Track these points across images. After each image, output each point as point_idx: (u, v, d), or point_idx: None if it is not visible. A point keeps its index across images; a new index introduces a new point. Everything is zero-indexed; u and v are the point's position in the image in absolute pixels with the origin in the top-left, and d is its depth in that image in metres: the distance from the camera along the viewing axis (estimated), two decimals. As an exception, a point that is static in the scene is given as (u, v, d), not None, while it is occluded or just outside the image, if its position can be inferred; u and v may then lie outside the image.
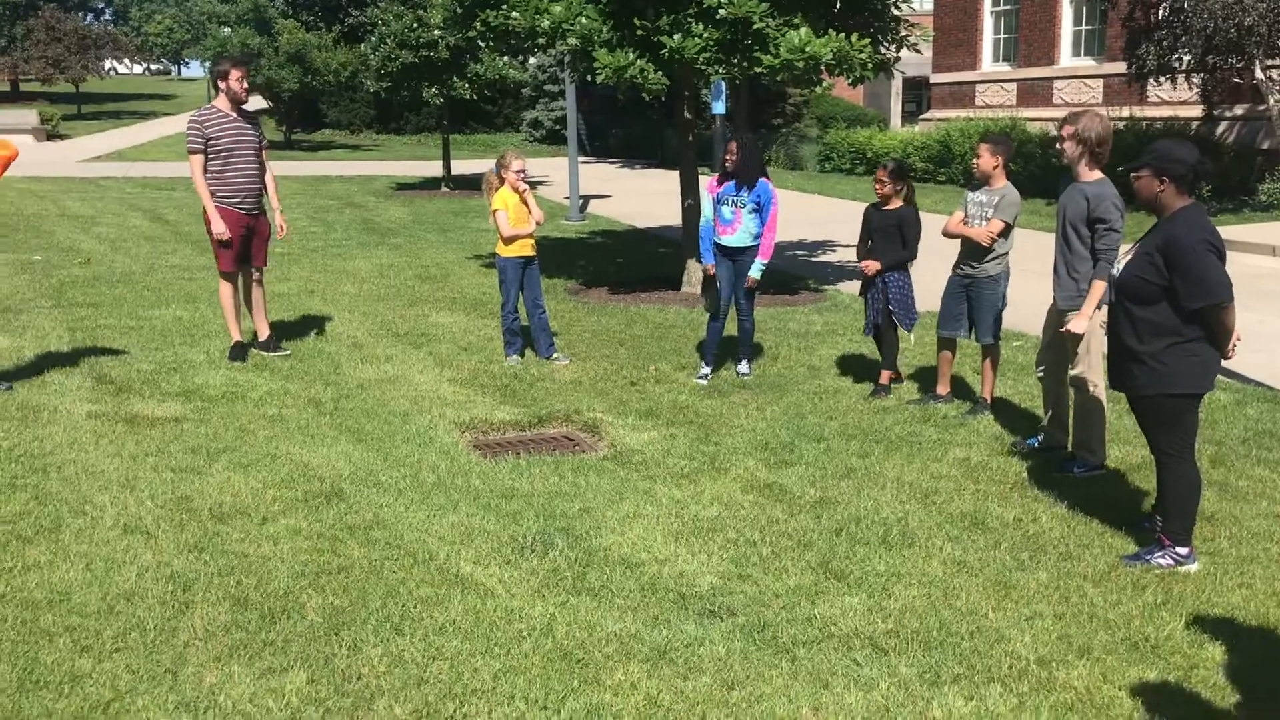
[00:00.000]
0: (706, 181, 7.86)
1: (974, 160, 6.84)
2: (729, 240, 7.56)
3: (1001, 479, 5.73)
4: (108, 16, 60.71)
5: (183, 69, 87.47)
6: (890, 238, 7.20)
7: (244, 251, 7.85)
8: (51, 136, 34.03)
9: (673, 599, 4.28)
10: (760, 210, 7.49)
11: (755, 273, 7.54)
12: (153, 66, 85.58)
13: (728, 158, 7.50)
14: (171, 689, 3.55)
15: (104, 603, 4.12)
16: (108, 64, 47.62)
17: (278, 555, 4.58)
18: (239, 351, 7.89)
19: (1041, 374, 6.18)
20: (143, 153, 30.05)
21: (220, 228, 7.59)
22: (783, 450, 6.11)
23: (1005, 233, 6.64)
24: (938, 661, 3.85)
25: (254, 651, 3.80)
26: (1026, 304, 8.60)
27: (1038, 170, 19.38)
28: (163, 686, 3.57)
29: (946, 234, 6.83)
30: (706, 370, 7.67)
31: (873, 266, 7.24)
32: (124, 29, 58.35)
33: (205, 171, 7.60)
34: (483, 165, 28.35)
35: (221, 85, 7.70)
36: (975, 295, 6.77)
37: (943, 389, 7.14)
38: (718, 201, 7.57)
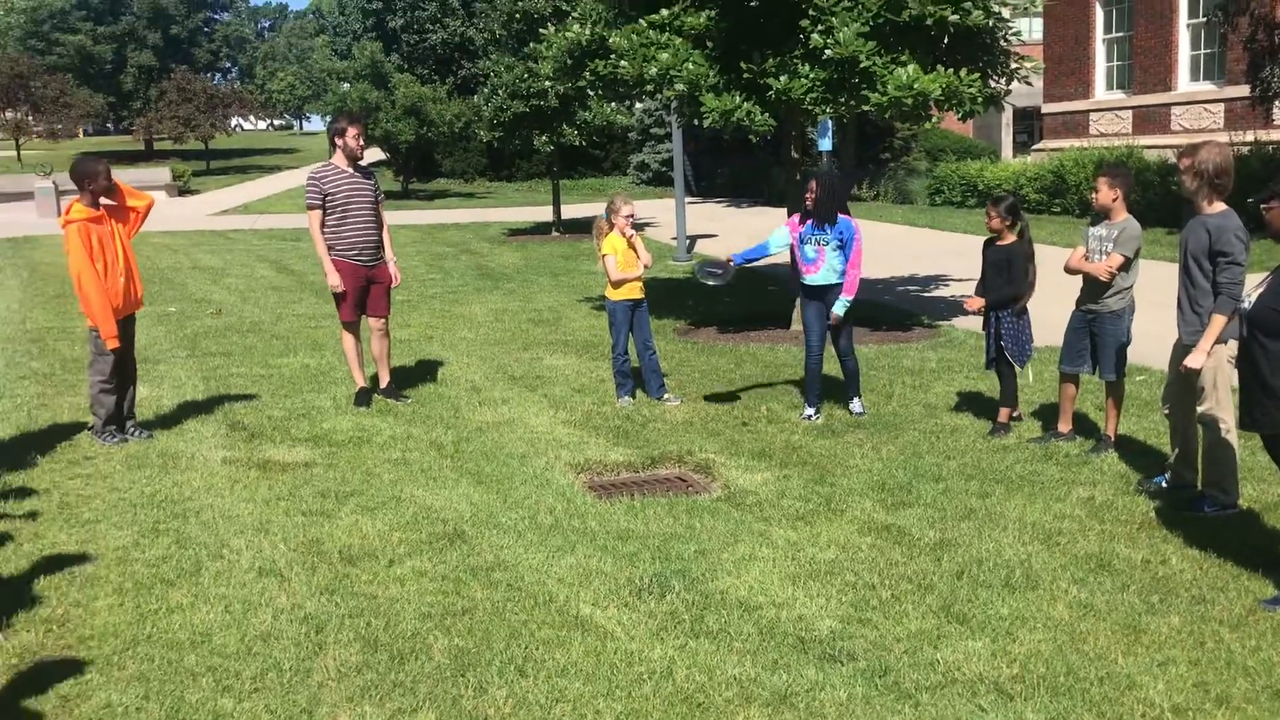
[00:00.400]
0: (790, 219, 7.86)
1: (1092, 193, 6.73)
2: (814, 279, 7.55)
3: (1128, 519, 5.58)
4: (234, 75, 63.49)
5: (304, 124, 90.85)
6: (1000, 273, 7.11)
7: (363, 301, 8.11)
8: (183, 192, 35.66)
9: (792, 643, 4.28)
10: (844, 247, 7.48)
11: (839, 310, 7.49)
12: (276, 122, 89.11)
13: (808, 196, 7.50)
14: (308, 728, 3.69)
15: (243, 644, 4.29)
16: (234, 121, 49.71)
17: (405, 597, 4.72)
18: (364, 397, 8.14)
19: (1168, 411, 6.01)
20: (268, 205, 31.28)
21: (335, 280, 7.88)
22: (900, 491, 6.06)
23: (1126, 267, 6.50)
24: (1066, 708, 3.77)
25: (384, 692, 3.92)
26: (1150, 338, 8.37)
27: (1157, 199, 18.85)
28: (299, 725, 3.70)
29: (1069, 270, 6.72)
30: (810, 410, 7.65)
31: (975, 303, 7.16)
32: (249, 87, 60.97)
33: (323, 226, 7.89)
34: (592, 209, 28.73)
35: (339, 142, 7.99)
36: (1098, 331, 6.63)
37: (1064, 426, 6.99)
38: (801, 240, 7.58)
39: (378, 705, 3.82)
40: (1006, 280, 7.07)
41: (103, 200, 6.99)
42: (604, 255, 8.04)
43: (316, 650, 4.23)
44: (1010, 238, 7.12)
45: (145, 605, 4.63)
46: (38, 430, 7.46)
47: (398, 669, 4.08)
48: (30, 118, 45.51)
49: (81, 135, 62.37)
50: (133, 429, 7.25)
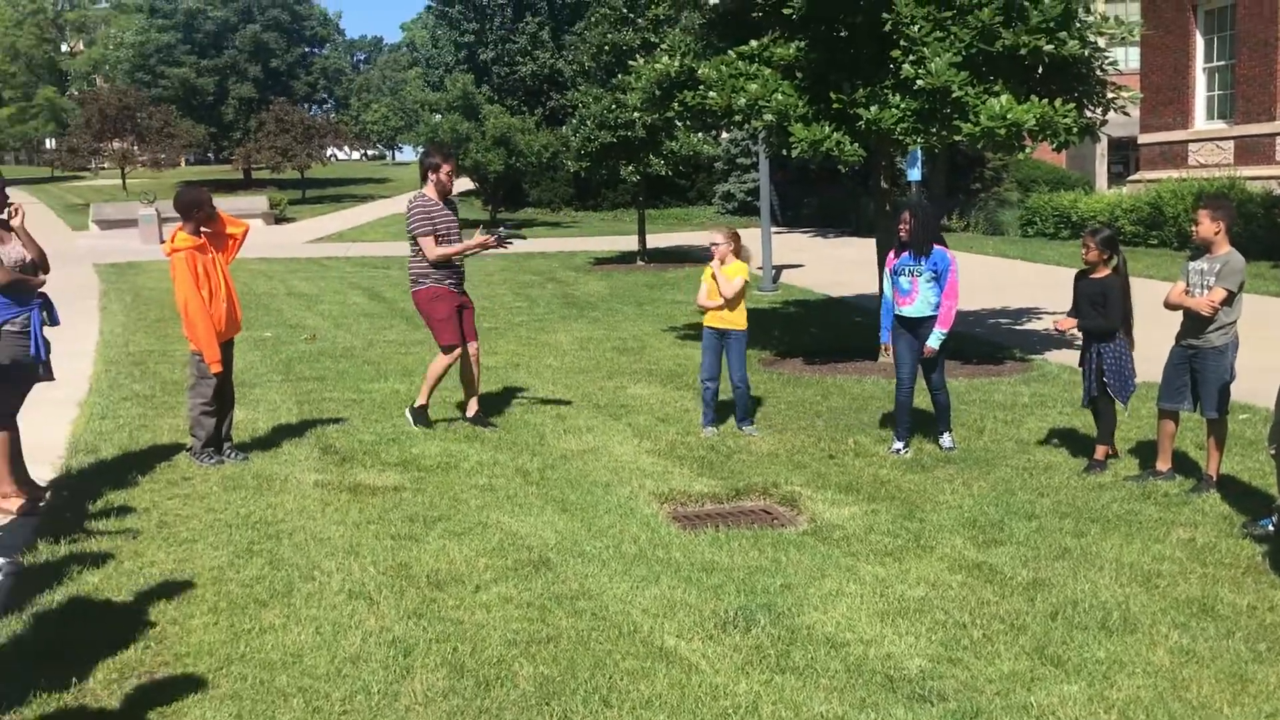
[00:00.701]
0: (887, 257, 7.79)
1: (1192, 226, 6.56)
2: (908, 311, 7.47)
3: (1232, 562, 5.38)
4: (330, 107, 65.16)
5: (396, 154, 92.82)
6: (1095, 305, 6.96)
7: (460, 327, 8.26)
8: (280, 220, 36.60)
9: (880, 681, 4.20)
10: (938, 278, 7.38)
11: (933, 342, 7.39)
12: (369, 152, 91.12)
13: (902, 227, 7.44)
14: (395, 751, 3.72)
15: (332, 665, 4.35)
16: (329, 151, 50.96)
17: (490, 623, 4.74)
18: (424, 416, 8.28)
19: (1275, 451, 5.80)
20: (361, 234, 31.96)
21: (482, 238, 8.21)
22: (992, 528, 5.93)
23: (1229, 301, 6.32)
24: (1168, 758, 3.64)
25: (470, 718, 3.94)
26: (1254, 373, 8.09)
27: (1261, 231, 18.31)
28: (387, 748, 3.74)
29: (1169, 306, 6.56)
30: (898, 444, 7.55)
31: (1067, 324, 7.00)
32: (344, 118, 62.49)
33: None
34: (676, 239, 28.81)
35: (432, 177, 8.17)
36: (1200, 367, 6.45)
37: (1164, 465, 6.79)
38: (895, 272, 7.51)
39: (463, 731, 3.84)
40: (1101, 314, 6.92)
41: (202, 228, 7.21)
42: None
43: (404, 674, 4.27)
44: (1105, 271, 6.97)
45: (239, 624, 4.73)
46: (138, 450, 7.68)
47: (483, 695, 4.10)
48: (136, 147, 47.19)
49: (183, 164, 64.43)
50: (229, 451, 7.43)
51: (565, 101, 29.66)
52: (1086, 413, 7.29)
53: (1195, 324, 6.44)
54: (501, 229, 8.37)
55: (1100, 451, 7.06)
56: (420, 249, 8.10)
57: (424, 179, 8.29)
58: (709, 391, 8.19)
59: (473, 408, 8.44)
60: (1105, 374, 6.93)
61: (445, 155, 8.30)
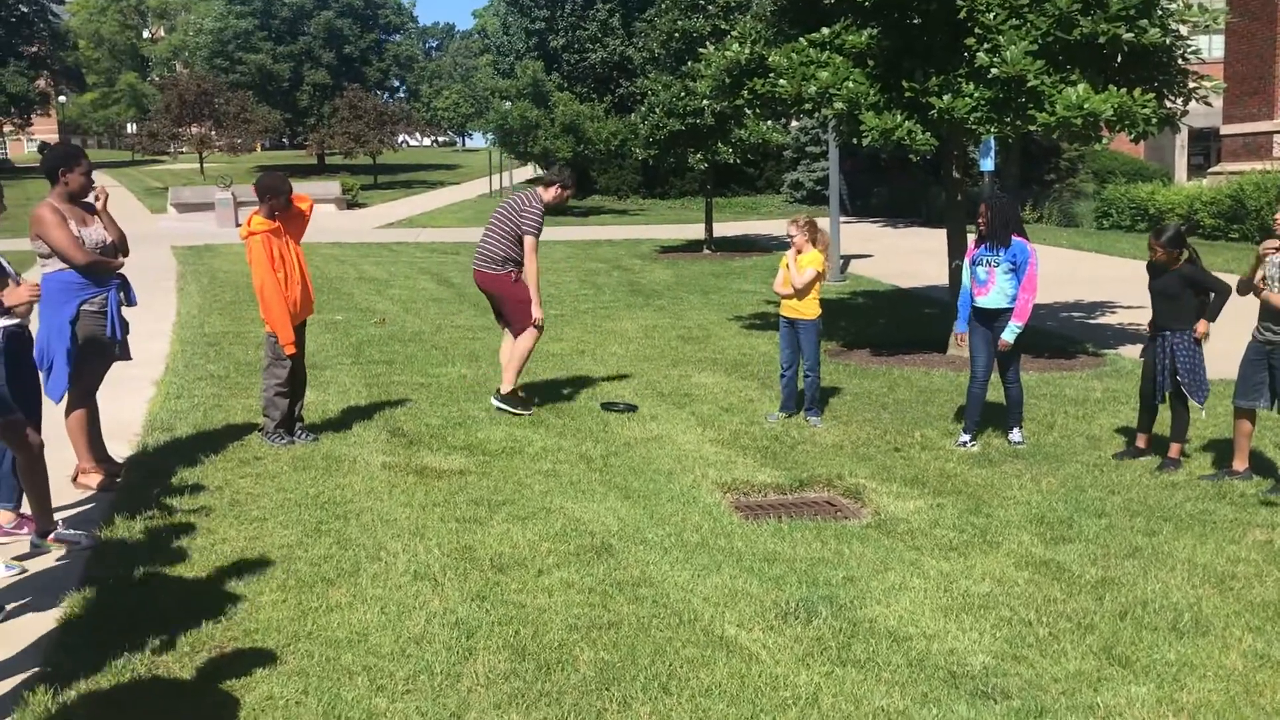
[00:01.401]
0: (968, 247, 7.72)
1: (1275, 218, 6.39)
2: (984, 302, 7.38)
3: (1311, 566, 5.24)
4: (402, 93, 65.85)
5: (466, 140, 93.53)
6: (1171, 298, 6.80)
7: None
8: (352, 205, 37.13)
9: (943, 677, 4.16)
10: (1017, 270, 7.27)
11: (1008, 336, 7.29)
12: (440, 139, 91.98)
13: (980, 220, 7.37)
14: (456, 731, 3.77)
15: (397, 645, 4.42)
16: (401, 137, 51.54)
17: (552, 607, 4.78)
18: (516, 400, 8.40)
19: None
20: (431, 219, 32.30)
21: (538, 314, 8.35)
22: (1060, 525, 5.84)
23: None
24: (1239, 764, 3.56)
25: (531, 701, 3.97)
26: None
27: (1349, 225, 17.76)
28: (448, 728, 3.79)
29: (1243, 291, 6.40)
30: (966, 438, 7.46)
31: (1202, 328, 6.77)
32: (416, 104, 63.14)
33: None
34: (744, 227, 28.71)
35: (556, 191, 8.44)
36: (1278, 363, 6.28)
37: (1240, 464, 6.63)
38: (974, 262, 7.43)
39: (524, 714, 3.88)
40: (1183, 304, 6.76)
41: (277, 213, 7.33)
42: None
43: (467, 655, 4.32)
44: (1179, 265, 6.82)
45: (307, 602, 4.82)
46: (212, 430, 7.85)
47: (544, 678, 4.14)
48: (213, 132, 48.15)
49: (259, 150, 65.63)
50: (300, 432, 7.57)
51: (634, 89, 29.66)
52: (1161, 410, 7.11)
53: (1274, 317, 6.28)
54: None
55: (1174, 450, 6.91)
56: (521, 242, 8.25)
57: (548, 186, 8.47)
58: (784, 379, 8.19)
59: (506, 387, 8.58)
60: (1179, 372, 6.78)
61: (565, 184, 8.53)
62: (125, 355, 6.73)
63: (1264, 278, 6.35)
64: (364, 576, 5.13)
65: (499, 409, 8.34)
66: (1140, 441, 7.06)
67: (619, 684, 4.09)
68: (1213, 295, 6.71)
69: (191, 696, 4.00)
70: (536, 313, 8.30)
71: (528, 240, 8.23)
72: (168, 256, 21.18)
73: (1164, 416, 7.11)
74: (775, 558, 5.40)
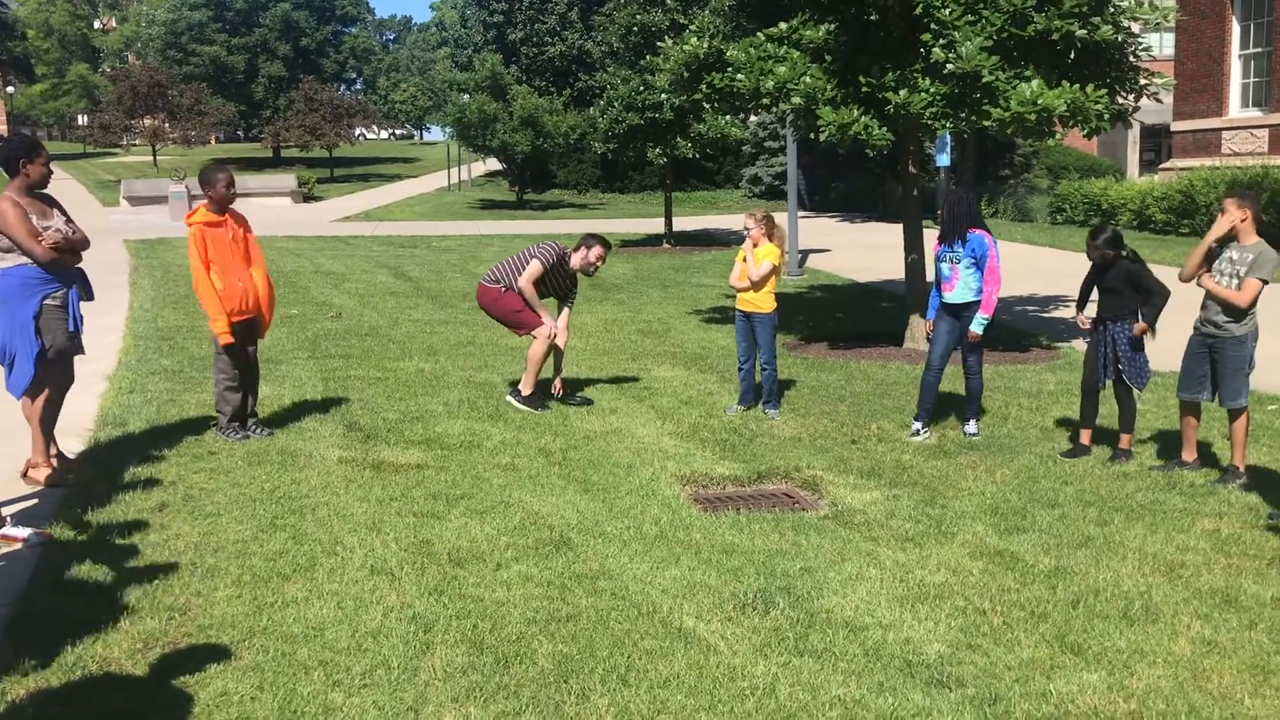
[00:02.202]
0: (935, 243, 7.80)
1: (1219, 215, 6.48)
2: (950, 298, 7.48)
3: (1257, 554, 5.34)
4: (359, 86, 65.25)
5: (424, 134, 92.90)
6: (1114, 292, 6.91)
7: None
8: (308, 199, 36.75)
9: (898, 666, 4.20)
10: (978, 264, 7.35)
11: (976, 328, 7.39)
12: (397, 132, 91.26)
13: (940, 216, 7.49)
14: (414, 725, 3.75)
15: (353, 639, 4.39)
16: (358, 130, 51.08)
17: (511, 601, 4.77)
18: (540, 401, 8.42)
19: (1303, 442, 5.75)
20: (388, 213, 32.05)
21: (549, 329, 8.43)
22: (1014, 516, 5.91)
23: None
24: (1187, 748, 3.62)
25: (489, 694, 3.96)
26: (1284, 365, 8.03)
27: (1295, 220, 18.09)
28: (406, 722, 3.77)
29: (1184, 279, 6.49)
30: (918, 425, 7.56)
31: (1139, 329, 6.89)
32: (373, 97, 62.58)
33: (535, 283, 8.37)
34: (703, 221, 28.73)
35: (584, 252, 8.49)
36: (1220, 357, 6.40)
37: (1189, 455, 6.75)
38: (938, 259, 7.52)
39: (482, 707, 3.87)
40: (1128, 297, 6.87)
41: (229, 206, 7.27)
42: None
43: (424, 649, 4.30)
44: (1118, 262, 6.94)
45: (262, 598, 4.77)
46: (166, 424, 7.76)
47: (502, 672, 4.13)
48: (167, 125, 47.48)
49: (214, 142, 64.80)
50: (254, 426, 7.49)
51: (593, 83, 29.63)
52: (1112, 401, 7.22)
53: (1217, 311, 6.38)
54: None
55: (1125, 440, 7.01)
56: (527, 267, 8.35)
57: (577, 249, 8.54)
58: (742, 373, 8.22)
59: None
60: (1120, 360, 6.89)
61: (603, 247, 8.58)
62: (78, 350, 6.63)
63: (1208, 270, 6.46)
64: (320, 571, 5.09)
65: (514, 406, 8.37)
66: (1084, 438, 7.12)
67: (577, 676, 4.09)
68: (1152, 296, 6.81)
69: (144, 693, 3.96)
70: (546, 322, 8.41)
71: (532, 264, 8.34)
72: (120, 250, 20.87)
73: (1112, 410, 7.21)
74: (733, 549, 5.42)
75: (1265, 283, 6.25)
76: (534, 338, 8.39)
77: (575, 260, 8.49)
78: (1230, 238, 6.41)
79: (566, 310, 8.71)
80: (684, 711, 3.85)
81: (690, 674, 4.12)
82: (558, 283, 8.56)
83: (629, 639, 4.40)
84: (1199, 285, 6.48)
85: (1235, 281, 6.31)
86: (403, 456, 7.02)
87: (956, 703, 3.91)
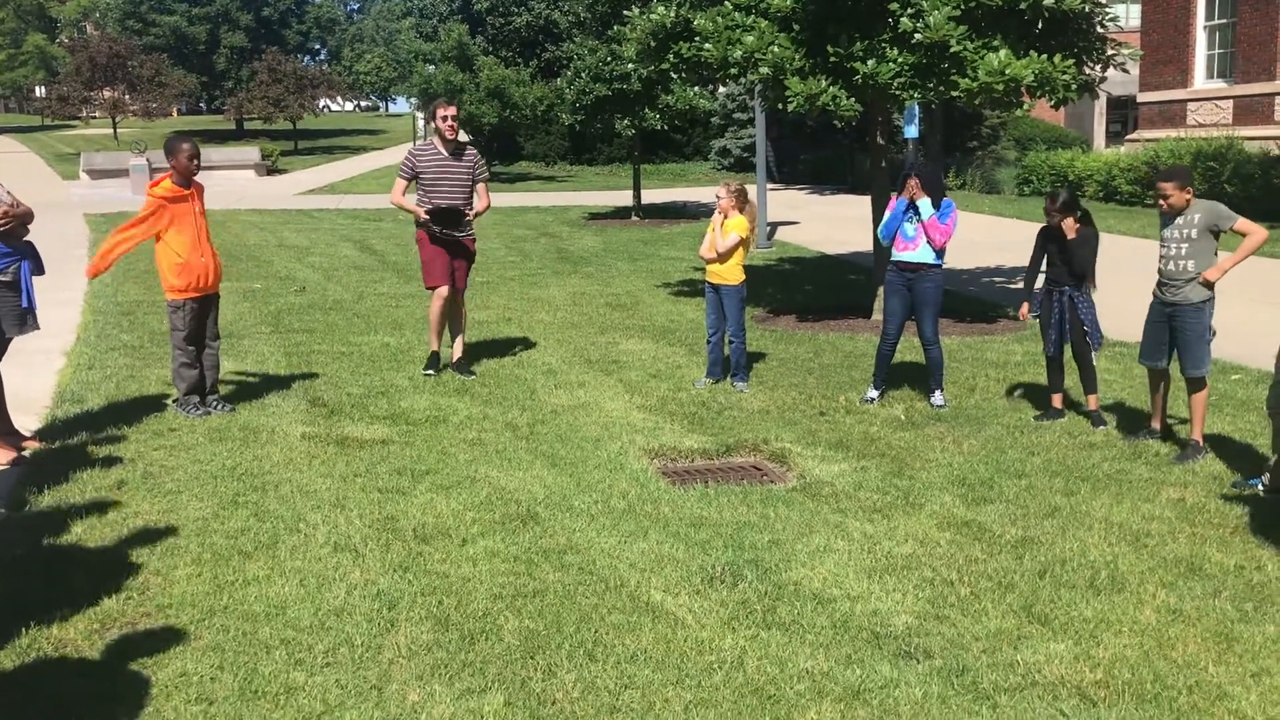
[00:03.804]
0: (890, 200, 7.82)
1: (1161, 201, 6.52)
2: (910, 256, 7.50)
3: (1221, 522, 5.37)
4: (323, 57, 64.37)
5: (390, 105, 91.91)
6: (1076, 263, 6.98)
7: (450, 273, 8.35)
8: (271, 171, 36.29)
9: (866, 638, 4.19)
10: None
11: (923, 208, 7.38)
12: (362, 104, 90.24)
13: (914, 191, 7.43)
14: (377, 705, 3.70)
15: (316, 618, 4.33)
16: (322, 102, 50.42)
17: (477, 577, 4.72)
18: (434, 361, 8.44)
19: (1271, 410, 5.78)
20: (352, 185, 31.71)
21: (421, 211, 8.20)
22: (981, 486, 5.91)
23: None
24: (1152, 716, 3.63)
25: (454, 671, 3.92)
26: (1250, 335, 8.07)
27: (1258, 192, 18.23)
28: (369, 702, 3.72)
29: (1209, 282, 6.43)
30: (873, 394, 7.66)
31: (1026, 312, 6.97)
32: (337, 68, 61.77)
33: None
34: (672, 194, 28.61)
35: (432, 123, 8.36)
36: (1179, 325, 6.44)
37: (1156, 422, 6.78)
38: (896, 218, 7.54)
39: (447, 684, 3.83)
40: (1080, 268, 6.93)
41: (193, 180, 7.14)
42: None
43: (388, 627, 4.25)
44: (1073, 230, 6.98)
45: (223, 576, 4.70)
46: (125, 401, 7.63)
47: (468, 649, 4.08)
48: (127, 96, 46.66)
49: (175, 114, 63.83)
50: (215, 402, 7.38)
51: (560, 53, 29.37)
52: (1065, 365, 7.26)
53: (1173, 277, 6.43)
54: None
55: (1093, 401, 7.07)
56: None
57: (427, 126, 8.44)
58: (710, 345, 8.19)
59: (457, 354, 8.59)
60: (1084, 321, 6.95)
61: (445, 102, 8.43)
62: (34, 326, 6.50)
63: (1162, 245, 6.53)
64: (282, 549, 5.02)
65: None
66: (1056, 401, 7.22)
67: (544, 652, 4.06)
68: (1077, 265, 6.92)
69: (101, 676, 3.88)
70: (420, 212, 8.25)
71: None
72: (80, 224, 20.53)
73: (1074, 375, 7.24)
74: (701, 523, 5.39)
75: (1255, 222, 6.39)
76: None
77: (437, 140, 8.26)
78: (1172, 216, 6.46)
79: (460, 294, 8.52)
80: (651, 686, 3.82)
81: (658, 648, 4.09)
82: (436, 174, 8.22)
83: (596, 614, 4.37)
84: (1212, 280, 6.44)
85: (1187, 245, 6.36)
86: (367, 432, 6.94)
87: (924, 674, 3.90)
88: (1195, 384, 6.45)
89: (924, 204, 7.39)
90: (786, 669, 3.94)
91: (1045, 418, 7.14)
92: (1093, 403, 7.08)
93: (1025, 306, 7.36)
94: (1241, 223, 6.33)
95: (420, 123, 45.17)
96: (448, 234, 8.20)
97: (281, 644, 4.10)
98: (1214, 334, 6.46)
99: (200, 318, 7.21)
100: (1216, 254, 6.40)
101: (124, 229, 7.07)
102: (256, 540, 5.12)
